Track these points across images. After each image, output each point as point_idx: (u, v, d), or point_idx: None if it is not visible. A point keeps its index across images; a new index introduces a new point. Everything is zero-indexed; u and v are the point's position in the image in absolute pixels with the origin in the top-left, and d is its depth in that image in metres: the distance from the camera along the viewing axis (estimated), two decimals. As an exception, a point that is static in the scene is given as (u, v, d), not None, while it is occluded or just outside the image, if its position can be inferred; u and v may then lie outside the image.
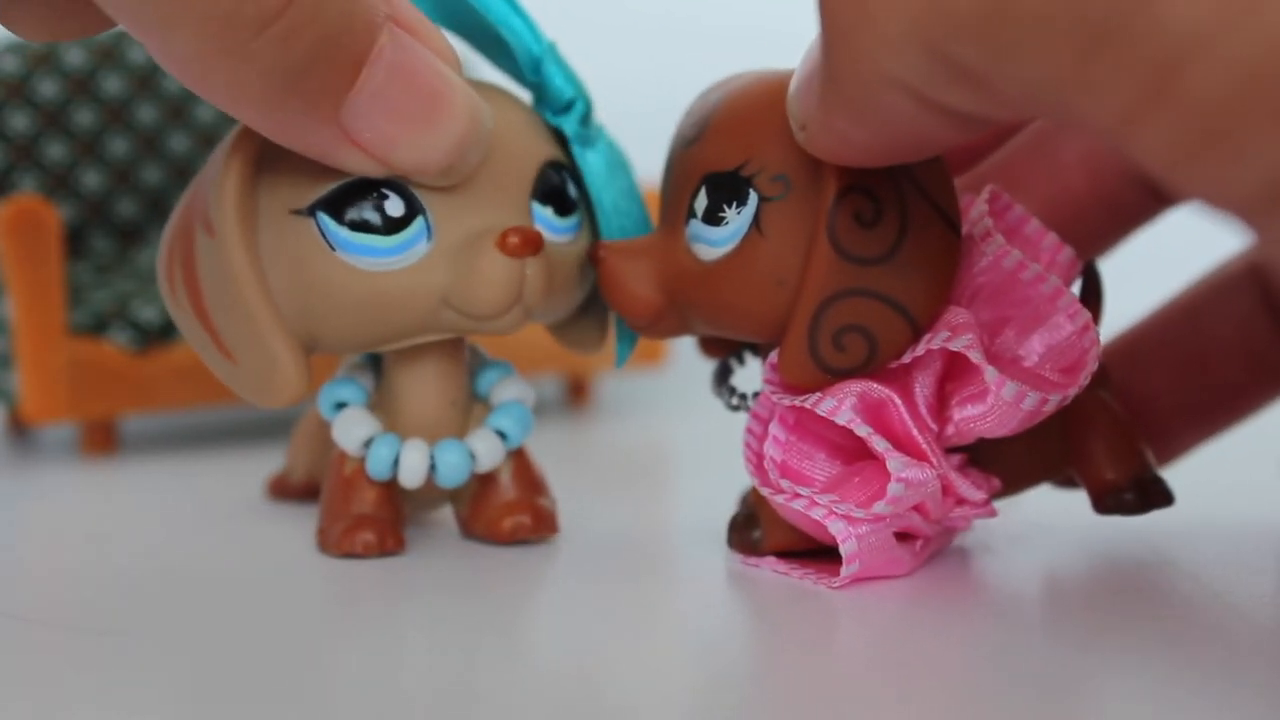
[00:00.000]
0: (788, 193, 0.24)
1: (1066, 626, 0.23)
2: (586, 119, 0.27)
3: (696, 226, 0.25)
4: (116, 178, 0.43)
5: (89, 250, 0.43)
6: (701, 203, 0.25)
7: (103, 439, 0.40)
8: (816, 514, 0.25)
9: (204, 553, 0.28)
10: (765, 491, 0.25)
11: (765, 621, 0.24)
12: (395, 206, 0.25)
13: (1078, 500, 0.32)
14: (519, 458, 0.28)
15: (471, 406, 0.28)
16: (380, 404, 0.27)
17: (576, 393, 0.49)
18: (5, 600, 0.25)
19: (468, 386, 0.28)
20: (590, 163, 0.27)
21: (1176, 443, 0.30)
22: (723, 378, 0.28)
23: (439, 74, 0.24)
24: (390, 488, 0.27)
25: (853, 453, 0.25)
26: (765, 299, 0.25)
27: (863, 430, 0.24)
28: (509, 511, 0.27)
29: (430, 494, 0.28)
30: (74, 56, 0.43)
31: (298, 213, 0.25)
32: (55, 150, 0.42)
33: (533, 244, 0.25)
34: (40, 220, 0.38)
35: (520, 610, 0.25)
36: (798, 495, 0.25)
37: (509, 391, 0.28)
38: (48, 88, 0.42)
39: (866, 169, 0.23)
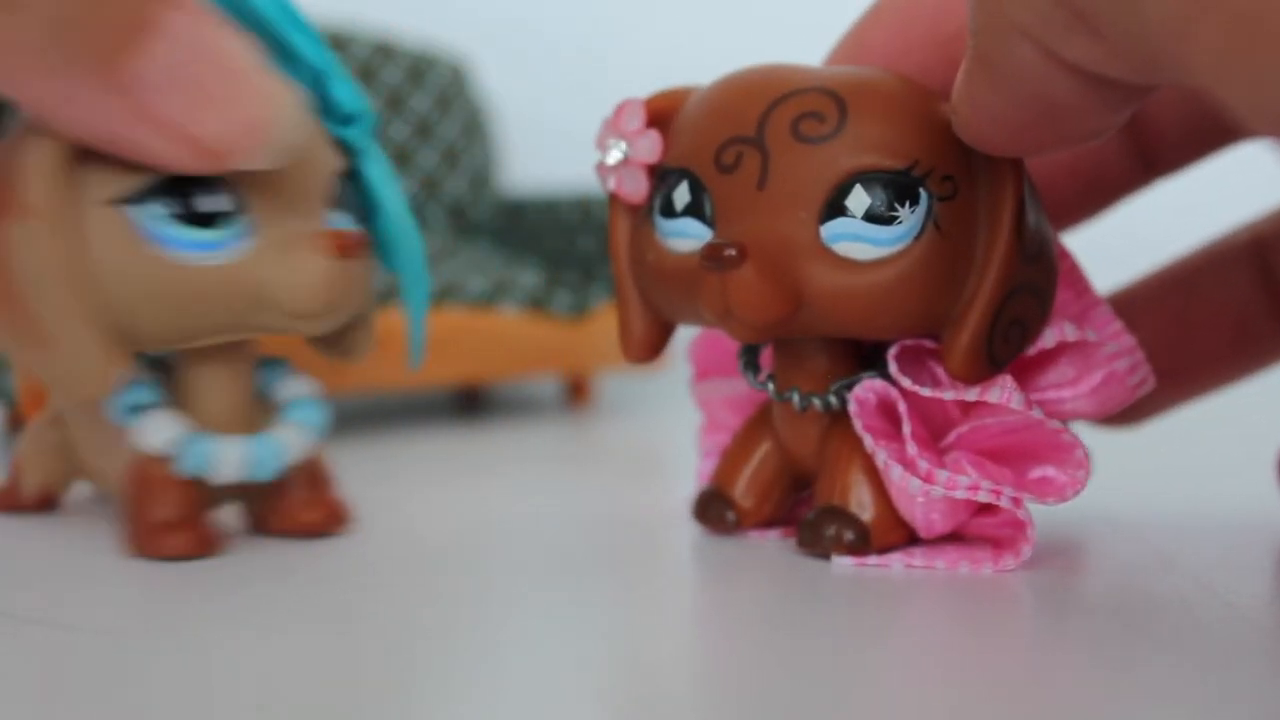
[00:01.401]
0: (956, 193, 0.25)
1: (1065, 626, 0.23)
2: (370, 132, 0.27)
3: (848, 225, 0.25)
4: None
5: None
6: (860, 201, 0.25)
7: (102, 439, 0.40)
8: (1003, 502, 0.26)
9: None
10: (925, 486, 0.26)
11: (769, 617, 0.24)
12: (215, 201, 0.25)
13: (1079, 498, 0.32)
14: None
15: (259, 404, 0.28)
16: (175, 405, 0.27)
17: (576, 393, 0.49)
18: (5, 600, 0.25)
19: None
20: (374, 174, 0.27)
21: (1154, 403, 0.30)
22: (753, 358, 0.28)
23: (239, 54, 0.24)
24: (197, 486, 0.27)
25: (929, 445, 0.27)
26: (938, 297, 0.25)
27: (1038, 414, 0.26)
28: (309, 506, 0.28)
29: (222, 494, 0.28)
30: None
31: (114, 203, 0.24)
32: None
33: (350, 247, 0.25)
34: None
35: (524, 610, 0.25)
36: (977, 487, 0.26)
37: (296, 387, 0.28)
38: (47, 87, 0.42)
39: (1020, 170, 0.25)
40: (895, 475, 0.26)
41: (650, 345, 0.28)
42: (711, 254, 0.25)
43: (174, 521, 0.26)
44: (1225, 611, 0.23)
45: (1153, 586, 0.25)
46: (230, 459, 0.26)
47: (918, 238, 0.25)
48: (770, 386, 0.27)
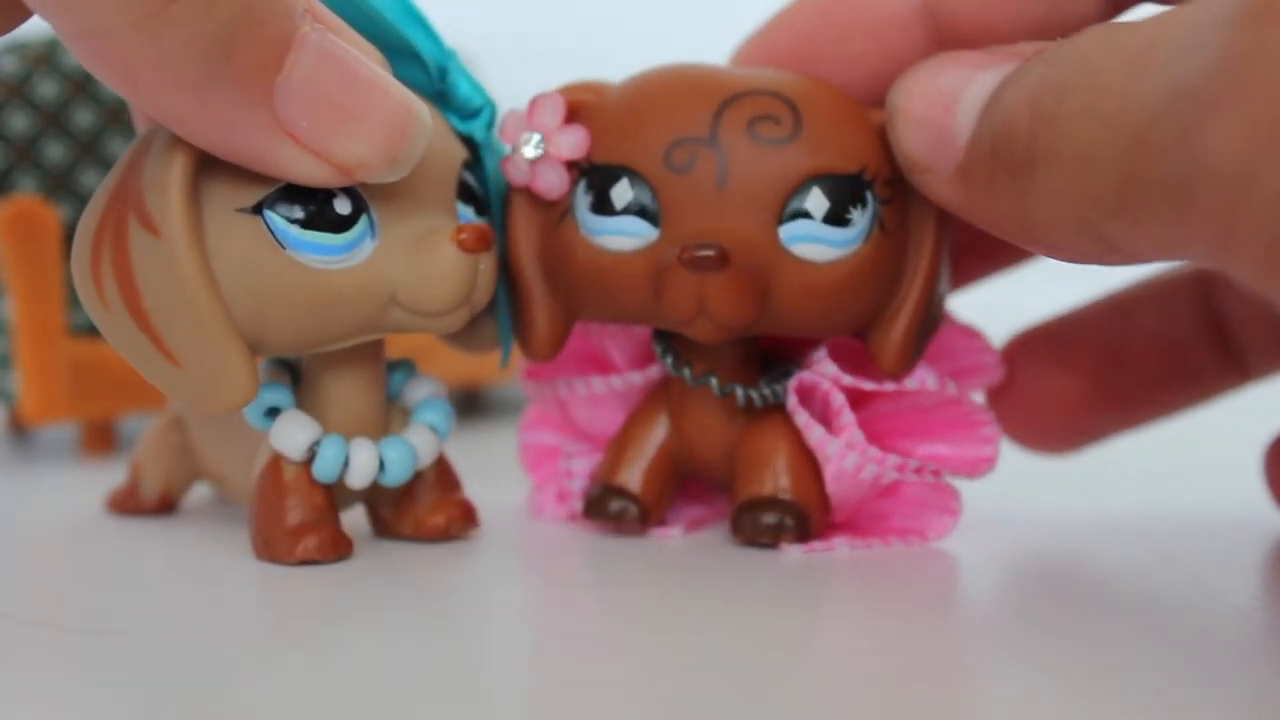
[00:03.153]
0: (894, 197, 0.26)
1: (1066, 625, 0.23)
2: (491, 125, 0.27)
3: (807, 226, 0.25)
4: (116, 178, 0.43)
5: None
6: (819, 203, 0.25)
7: (103, 439, 0.40)
8: (930, 479, 0.27)
9: (204, 552, 0.28)
10: (878, 471, 0.26)
11: (776, 612, 0.24)
12: (343, 204, 0.24)
13: (1078, 498, 0.32)
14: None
15: (389, 407, 0.28)
16: (304, 407, 0.27)
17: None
18: (5, 600, 0.25)
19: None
20: (489, 166, 0.27)
21: (1086, 432, 0.31)
22: (679, 355, 0.28)
23: (368, 65, 0.24)
24: (330, 489, 0.27)
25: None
26: (878, 295, 0.26)
27: (971, 395, 0.27)
28: (437, 509, 0.27)
29: (349, 496, 0.27)
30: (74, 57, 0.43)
31: (243, 211, 0.24)
32: (55, 150, 0.42)
33: (486, 240, 0.25)
34: (40, 220, 0.38)
35: (528, 608, 0.25)
36: (923, 469, 0.27)
37: (424, 389, 0.28)
38: (48, 88, 0.42)
39: None
40: (849, 463, 0.26)
41: (554, 343, 0.28)
42: (692, 255, 0.25)
43: (307, 525, 0.26)
44: (1225, 611, 0.23)
45: (1153, 586, 0.25)
46: (364, 463, 0.26)
47: (866, 239, 0.26)
48: (713, 381, 0.27)
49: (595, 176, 0.26)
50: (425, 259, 0.25)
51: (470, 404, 0.50)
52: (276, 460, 0.26)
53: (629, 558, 0.27)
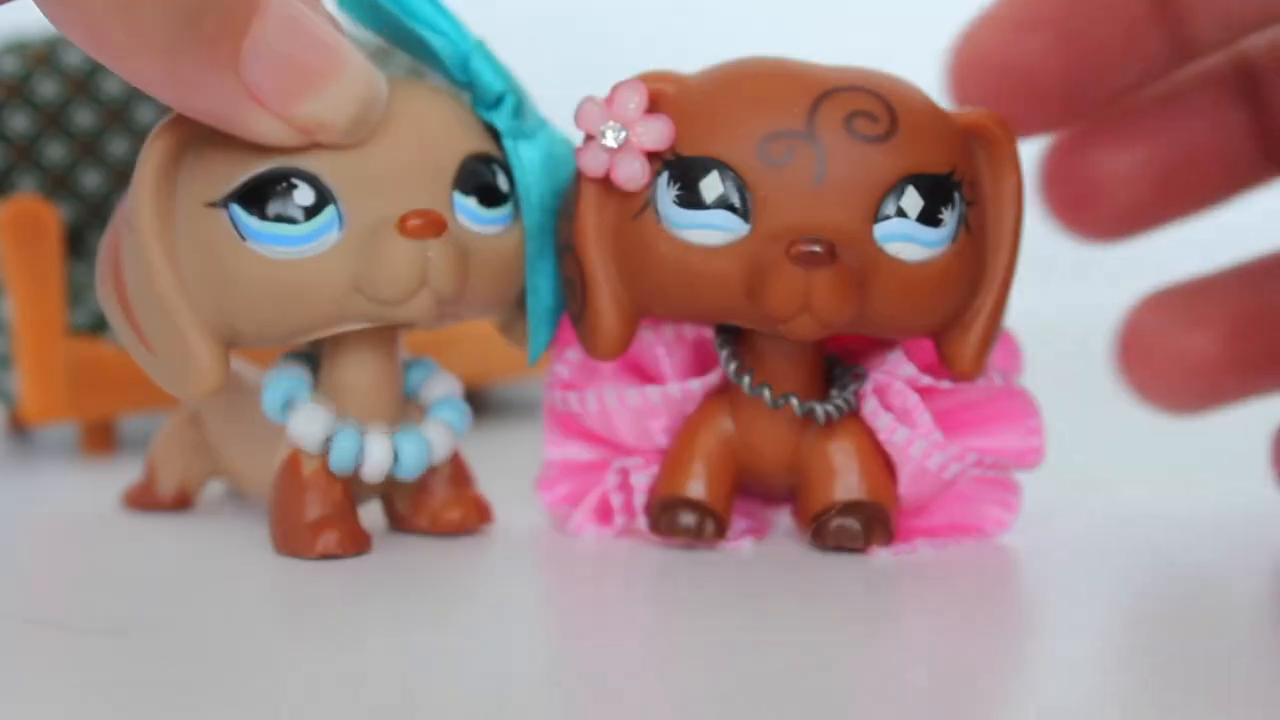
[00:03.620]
0: (976, 199, 0.26)
1: (1065, 625, 0.23)
2: (519, 112, 0.27)
3: (902, 225, 0.25)
4: (116, 178, 0.43)
5: (89, 250, 0.43)
6: (914, 203, 0.25)
7: (103, 439, 0.40)
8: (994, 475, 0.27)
9: (204, 553, 0.28)
10: (960, 468, 0.27)
11: (779, 610, 0.24)
12: (305, 195, 0.25)
13: (1077, 498, 0.32)
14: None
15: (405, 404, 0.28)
16: (322, 400, 0.27)
17: (577, 393, 0.49)
18: (5, 600, 0.25)
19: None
20: (523, 156, 0.27)
21: (1214, 394, 0.31)
22: (742, 365, 0.27)
23: (329, 31, 0.24)
24: (348, 484, 0.27)
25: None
26: (964, 296, 0.26)
27: (1013, 388, 0.27)
28: (453, 504, 0.28)
29: (366, 491, 0.28)
30: (74, 56, 0.43)
31: (211, 205, 0.25)
32: (55, 150, 0.42)
33: (434, 226, 0.25)
34: (40, 220, 0.38)
35: (546, 602, 0.25)
36: (992, 463, 0.27)
37: (442, 386, 0.28)
38: (48, 88, 0.42)
39: (1021, 172, 0.26)
40: (933, 462, 0.27)
41: (622, 340, 0.27)
42: (801, 251, 0.24)
43: (326, 520, 0.26)
44: (1226, 612, 0.23)
45: (1153, 587, 0.25)
46: (379, 454, 0.26)
47: (954, 240, 0.26)
48: (794, 401, 0.26)
49: (681, 169, 0.26)
50: (374, 247, 0.25)
51: (472, 403, 0.50)
52: (296, 455, 0.27)
53: (642, 551, 0.27)
